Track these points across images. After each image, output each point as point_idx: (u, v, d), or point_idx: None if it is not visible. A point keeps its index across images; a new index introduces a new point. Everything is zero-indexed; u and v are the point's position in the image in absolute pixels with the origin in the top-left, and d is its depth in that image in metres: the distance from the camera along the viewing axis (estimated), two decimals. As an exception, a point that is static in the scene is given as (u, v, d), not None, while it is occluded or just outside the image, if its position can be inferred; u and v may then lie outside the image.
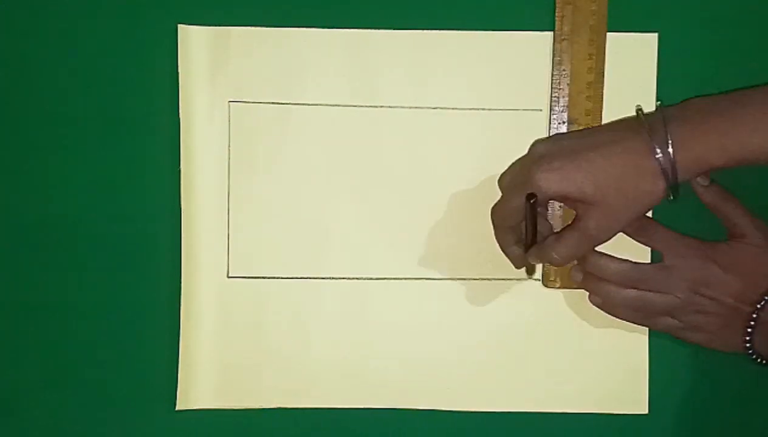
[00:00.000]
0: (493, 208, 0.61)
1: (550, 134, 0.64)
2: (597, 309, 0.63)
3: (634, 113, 0.59)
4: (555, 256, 0.58)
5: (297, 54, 0.64)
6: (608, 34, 0.63)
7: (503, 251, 0.62)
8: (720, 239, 0.61)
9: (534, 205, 0.56)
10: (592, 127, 0.63)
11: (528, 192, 0.56)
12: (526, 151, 0.62)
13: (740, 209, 0.61)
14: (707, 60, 0.64)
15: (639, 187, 0.55)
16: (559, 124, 0.64)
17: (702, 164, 0.55)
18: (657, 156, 0.54)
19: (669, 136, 0.54)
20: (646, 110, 0.59)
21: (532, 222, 0.58)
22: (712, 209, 0.62)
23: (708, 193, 0.61)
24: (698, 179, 0.62)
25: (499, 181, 0.62)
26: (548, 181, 0.56)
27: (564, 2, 0.63)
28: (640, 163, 0.55)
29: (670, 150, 0.54)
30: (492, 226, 0.61)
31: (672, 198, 0.55)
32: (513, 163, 0.63)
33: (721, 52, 0.64)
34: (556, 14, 0.63)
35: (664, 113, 0.56)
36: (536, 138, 0.64)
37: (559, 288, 0.65)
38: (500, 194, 0.61)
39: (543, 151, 0.58)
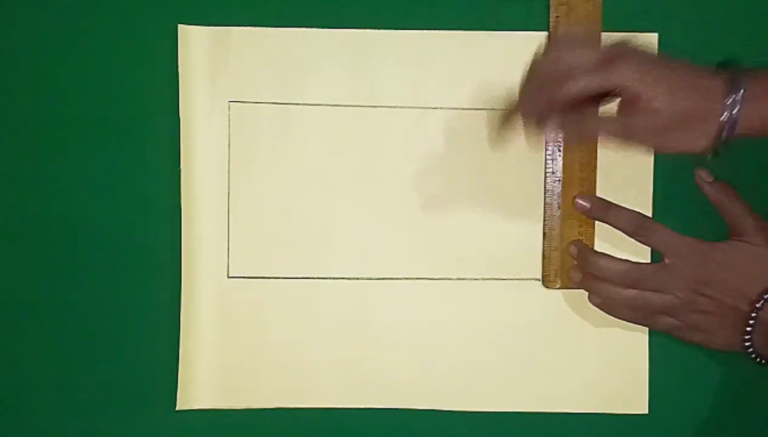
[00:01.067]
0: (545, 68, 0.57)
1: None
2: (597, 309, 0.63)
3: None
4: (590, 128, 0.57)
5: (297, 54, 0.64)
6: (608, 33, 0.63)
7: (523, 114, 0.59)
8: (720, 239, 0.61)
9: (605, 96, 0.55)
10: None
11: (606, 80, 0.54)
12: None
13: (744, 207, 0.61)
14: (707, 60, 0.64)
15: (701, 125, 0.55)
16: (558, 123, 0.64)
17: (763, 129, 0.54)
18: (727, 101, 0.54)
19: (743, 88, 0.54)
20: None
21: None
22: (716, 206, 0.62)
23: (713, 190, 0.61)
24: (703, 176, 0.62)
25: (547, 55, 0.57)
26: (633, 72, 0.54)
27: (558, 3, 0.64)
28: (712, 106, 0.54)
29: (740, 98, 0.54)
30: (528, 84, 0.58)
31: (714, 155, 0.55)
32: (577, 44, 0.57)
33: (721, 52, 0.64)
34: (551, 15, 0.63)
35: (743, 71, 0.55)
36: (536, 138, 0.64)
37: (559, 288, 0.65)
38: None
39: (633, 50, 0.55)
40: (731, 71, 0.55)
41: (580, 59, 0.55)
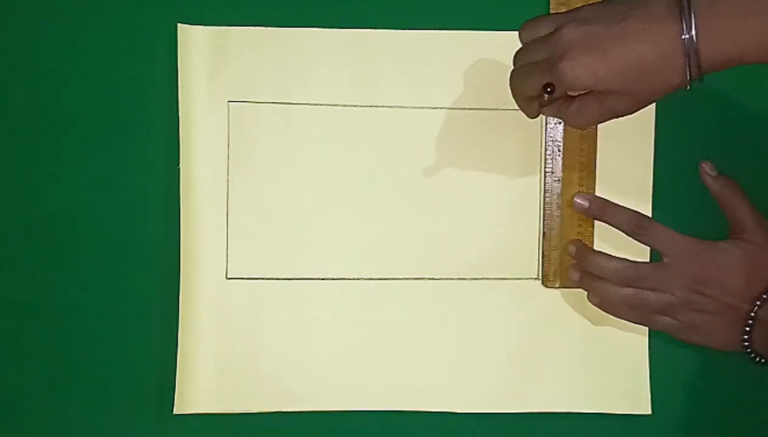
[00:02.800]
0: (512, 73, 0.58)
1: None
2: (596, 308, 0.63)
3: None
4: (573, 120, 0.57)
5: (297, 54, 0.64)
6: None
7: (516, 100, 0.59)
8: (720, 239, 0.61)
9: (551, 92, 0.54)
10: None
11: (550, 80, 0.53)
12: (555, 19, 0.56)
13: (745, 205, 0.61)
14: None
15: (667, 73, 0.52)
16: (556, 123, 0.64)
17: (729, 58, 0.51)
18: (683, 37, 0.51)
19: (696, 26, 0.51)
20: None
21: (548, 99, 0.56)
22: (718, 200, 0.62)
23: (716, 184, 0.62)
24: (707, 169, 0.62)
25: (522, 32, 0.58)
26: (576, 78, 0.53)
27: (558, 3, 0.64)
28: (669, 50, 0.51)
29: (695, 39, 0.51)
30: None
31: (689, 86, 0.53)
32: (537, 22, 0.57)
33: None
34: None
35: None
36: (535, 137, 0.64)
37: (558, 287, 0.65)
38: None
39: (573, 40, 0.53)
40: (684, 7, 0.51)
41: (535, 56, 0.56)
